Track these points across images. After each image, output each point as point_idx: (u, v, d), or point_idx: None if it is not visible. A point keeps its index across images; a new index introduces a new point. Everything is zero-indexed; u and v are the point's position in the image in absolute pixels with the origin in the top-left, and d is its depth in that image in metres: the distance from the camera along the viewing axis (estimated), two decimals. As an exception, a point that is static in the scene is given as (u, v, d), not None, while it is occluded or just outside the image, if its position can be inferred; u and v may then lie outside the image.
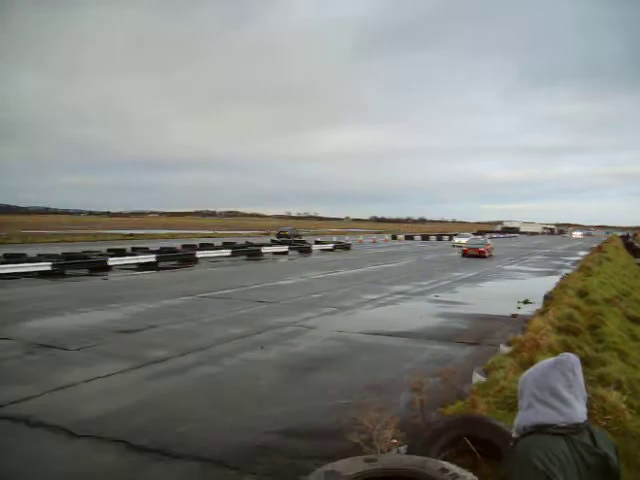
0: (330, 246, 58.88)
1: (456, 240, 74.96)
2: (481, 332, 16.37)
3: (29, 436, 8.25)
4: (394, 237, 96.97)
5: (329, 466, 5.18)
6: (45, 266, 29.92)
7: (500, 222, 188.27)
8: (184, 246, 46.75)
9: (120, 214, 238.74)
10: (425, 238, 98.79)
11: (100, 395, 10.25)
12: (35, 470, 7.21)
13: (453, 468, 5.11)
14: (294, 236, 73.58)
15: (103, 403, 9.77)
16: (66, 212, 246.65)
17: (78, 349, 13.45)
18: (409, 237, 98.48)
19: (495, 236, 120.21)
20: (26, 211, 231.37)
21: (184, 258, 39.75)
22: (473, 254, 50.04)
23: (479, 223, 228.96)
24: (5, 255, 33.12)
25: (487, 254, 50.46)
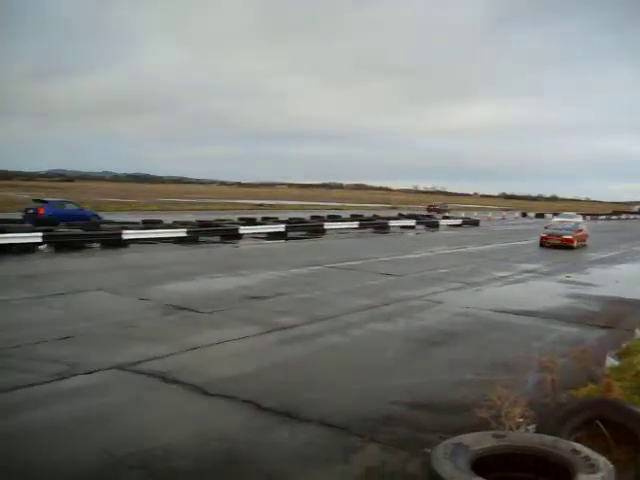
0: (458, 222, 58.15)
1: (555, 221, 53.27)
2: (614, 315, 15.71)
3: (165, 392, 8.68)
4: (524, 214, 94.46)
5: (456, 439, 5.16)
6: (181, 232, 31.14)
7: (638, 202, 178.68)
8: (312, 217, 47.32)
9: (250, 184, 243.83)
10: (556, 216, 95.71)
11: (231, 357, 10.63)
12: (171, 423, 7.58)
13: (585, 450, 4.98)
14: (443, 211, 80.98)
15: (234, 365, 10.12)
16: (199, 182, 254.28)
17: (211, 312, 13.97)
18: (540, 215, 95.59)
19: (632, 217, 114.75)
20: (162, 180, 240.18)
21: (312, 229, 40.31)
22: (555, 243, 35.62)
23: (614, 203, 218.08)
24: (144, 221, 34.74)
25: (575, 244, 35.86)
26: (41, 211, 35.86)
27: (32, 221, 31.96)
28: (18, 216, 33.38)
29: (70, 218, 33.78)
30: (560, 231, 37.38)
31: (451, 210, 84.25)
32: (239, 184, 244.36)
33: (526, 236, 45.73)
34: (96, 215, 38.52)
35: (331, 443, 7.12)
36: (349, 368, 10.25)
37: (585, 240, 38.42)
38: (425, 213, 68.36)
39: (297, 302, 15.70)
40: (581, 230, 38.60)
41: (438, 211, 79.43)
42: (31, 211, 36.24)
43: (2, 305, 14.09)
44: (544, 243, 36.12)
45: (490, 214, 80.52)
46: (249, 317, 13.65)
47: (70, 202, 39.86)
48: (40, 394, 8.33)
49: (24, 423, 7.36)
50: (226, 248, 29.54)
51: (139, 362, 9.85)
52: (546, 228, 39.79)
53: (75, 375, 9.14)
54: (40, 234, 25.36)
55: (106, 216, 39.03)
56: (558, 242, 35.49)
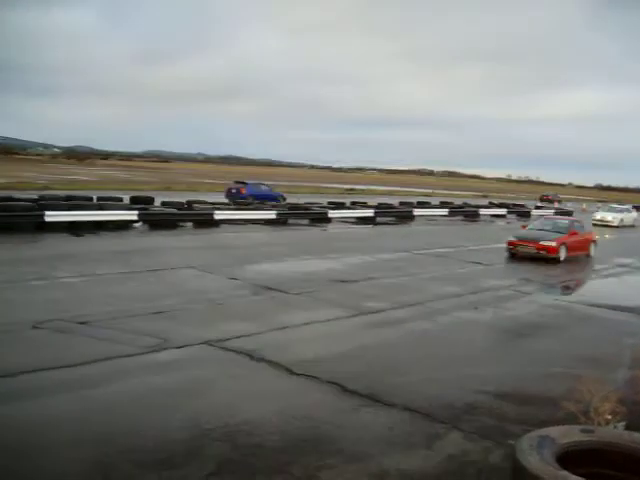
0: (550, 212, 56.70)
1: (598, 216, 45.47)
2: None
3: (252, 369, 8.86)
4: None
5: (543, 431, 5.08)
6: (270, 214, 31.51)
7: None
8: (401, 203, 47.00)
9: (341, 169, 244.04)
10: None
11: (317, 338, 10.76)
12: (256, 400, 7.73)
13: (677, 450, 4.82)
14: (556, 201, 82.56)
15: (319, 346, 10.25)
16: (289, 165, 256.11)
17: (299, 293, 14.14)
18: (637, 207, 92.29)
19: None
20: (253, 163, 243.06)
21: (401, 215, 39.99)
22: (529, 253, 22.68)
23: None
24: (235, 202, 35.31)
25: (562, 255, 22.62)
26: (243, 191, 41.95)
27: (235, 199, 38.46)
28: (118, 195, 34.05)
29: (263, 197, 39.88)
30: (539, 234, 23.80)
31: (562, 201, 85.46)
32: (330, 168, 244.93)
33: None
34: (282, 196, 44.13)
35: (414, 428, 7.13)
36: (434, 355, 10.22)
37: (586, 249, 24.79)
38: (516, 202, 67.00)
39: (384, 287, 15.71)
40: (576, 233, 24.29)
41: (551, 201, 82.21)
42: (234, 191, 42.48)
43: (100, 279, 14.65)
44: (512, 251, 23.27)
45: (584, 205, 78.30)
46: (336, 300, 13.74)
47: (263, 184, 46.11)
48: (133, 365, 8.67)
49: (117, 391, 7.67)
50: (315, 231, 29.75)
51: (227, 339, 10.08)
52: (523, 228, 26.35)
53: (166, 349, 9.44)
54: (136, 212, 26.11)
55: (199, 196, 39.71)
56: (533, 251, 22.65)
